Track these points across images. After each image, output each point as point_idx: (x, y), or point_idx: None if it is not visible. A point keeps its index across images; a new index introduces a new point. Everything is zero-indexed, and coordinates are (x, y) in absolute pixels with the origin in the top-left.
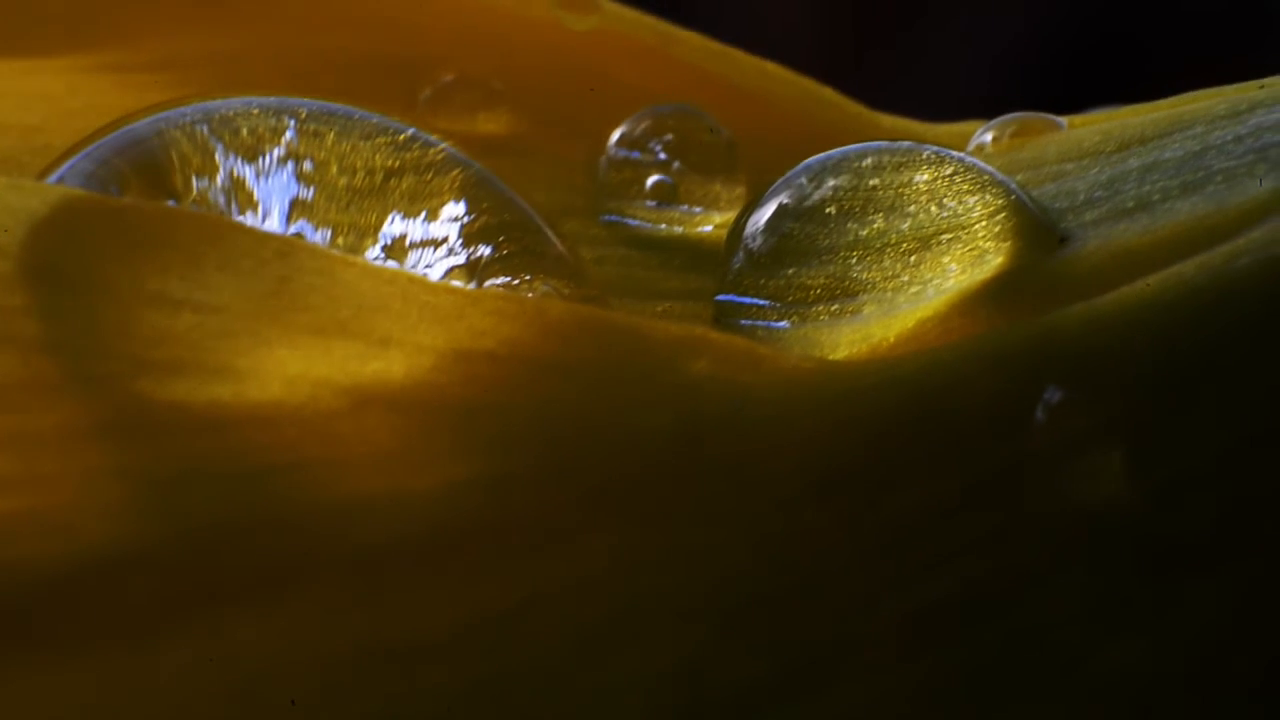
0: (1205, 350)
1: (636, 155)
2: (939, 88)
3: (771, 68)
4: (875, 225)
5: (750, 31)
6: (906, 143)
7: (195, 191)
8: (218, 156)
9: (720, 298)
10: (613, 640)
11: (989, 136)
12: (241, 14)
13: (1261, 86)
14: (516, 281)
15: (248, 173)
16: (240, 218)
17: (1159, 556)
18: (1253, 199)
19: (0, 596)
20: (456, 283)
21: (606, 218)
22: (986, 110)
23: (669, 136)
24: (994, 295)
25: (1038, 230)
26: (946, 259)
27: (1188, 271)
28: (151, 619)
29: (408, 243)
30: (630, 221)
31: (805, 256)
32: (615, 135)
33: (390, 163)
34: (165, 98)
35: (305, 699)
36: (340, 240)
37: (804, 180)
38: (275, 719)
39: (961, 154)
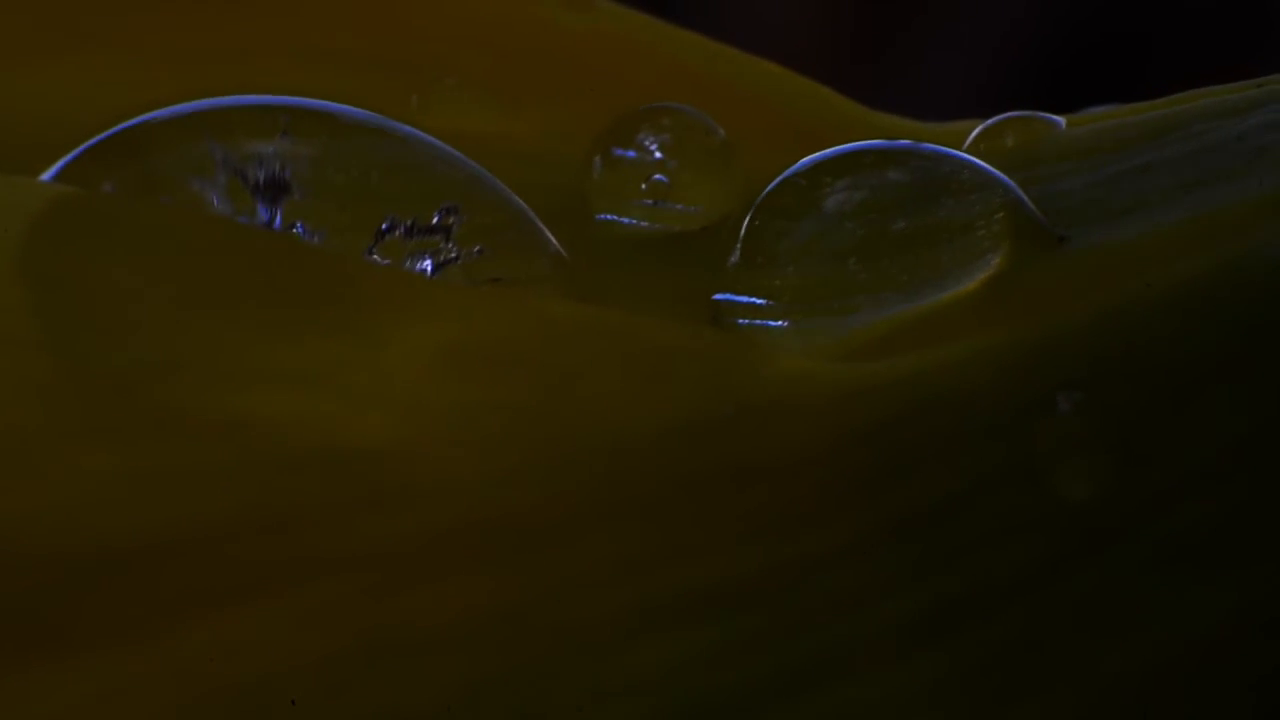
0: (1205, 350)
1: (632, 154)
2: (937, 88)
3: (769, 67)
4: (873, 224)
5: (747, 31)
6: (904, 142)
7: (190, 190)
8: (214, 155)
9: (718, 297)
10: (614, 639)
11: (986, 136)
12: (241, 12)
13: (1259, 85)
14: (512, 280)
15: (244, 172)
16: (237, 217)
17: (1162, 556)
18: (1252, 199)
19: (3, 594)
20: (453, 282)
21: (602, 217)
22: (984, 110)
23: (665, 136)
24: (993, 295)
25: (1036, 230)
26: (945, 258)
27: (1187, 271)
28: (151, 617)
29: (403, 242)
30: (626, 221)
31: (803, 256)
32: (611, 134)
33: (385, 162)
34: (165, 93)
35: (308, 695)
36: (336, 239)
37: (802, 180)
38: (278, 714)
39: (959, 153)
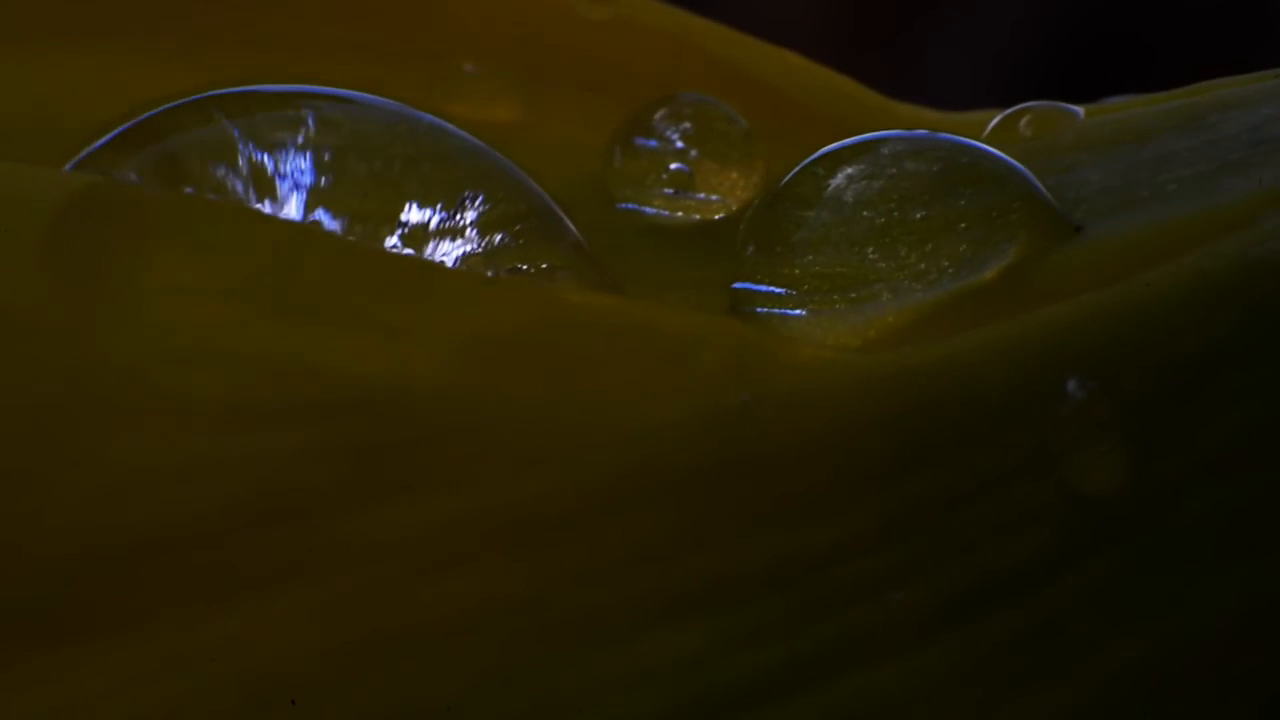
0: (1218, 342)
1: (653, 143)
2: (939, 87)
3: (790, 57)
4: (891, 214)
5: (748, 27)
6: (922, 132)
7: (213, 179)
8: (236, 144)
9: (737, 285)
10: (631, 627)
11: (1004, 125)
12: (262, 2)
13: (1276, 76)
14: (533, 269)
15: (266, 160)
16: (258, 205)
17: (1175, 546)
18: (1266, 189)
19: (12, 587)
20: (474, 270)
21: (623, 206)
22: (987, 108)
23: (686, 125)
24: (1008, 285)
25: (1052, 220)
26: (961, 248)
27: (1202, 262)
28: (167, 607)
29: (424, 230)
30: (647, 210)
31: (821, 245)
32: (632, 123)
33: (408, 150)
34: (186, 84)
35: (324, 684)
36: (357, 228)
37: (820, 169)
38: (285, 705)
39: (977, 143)
